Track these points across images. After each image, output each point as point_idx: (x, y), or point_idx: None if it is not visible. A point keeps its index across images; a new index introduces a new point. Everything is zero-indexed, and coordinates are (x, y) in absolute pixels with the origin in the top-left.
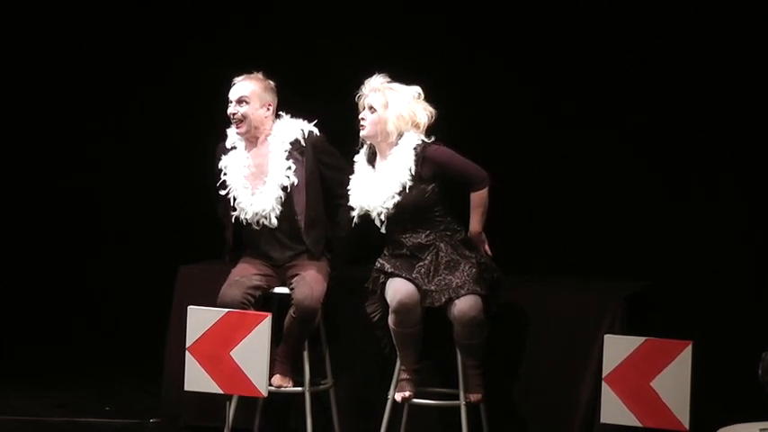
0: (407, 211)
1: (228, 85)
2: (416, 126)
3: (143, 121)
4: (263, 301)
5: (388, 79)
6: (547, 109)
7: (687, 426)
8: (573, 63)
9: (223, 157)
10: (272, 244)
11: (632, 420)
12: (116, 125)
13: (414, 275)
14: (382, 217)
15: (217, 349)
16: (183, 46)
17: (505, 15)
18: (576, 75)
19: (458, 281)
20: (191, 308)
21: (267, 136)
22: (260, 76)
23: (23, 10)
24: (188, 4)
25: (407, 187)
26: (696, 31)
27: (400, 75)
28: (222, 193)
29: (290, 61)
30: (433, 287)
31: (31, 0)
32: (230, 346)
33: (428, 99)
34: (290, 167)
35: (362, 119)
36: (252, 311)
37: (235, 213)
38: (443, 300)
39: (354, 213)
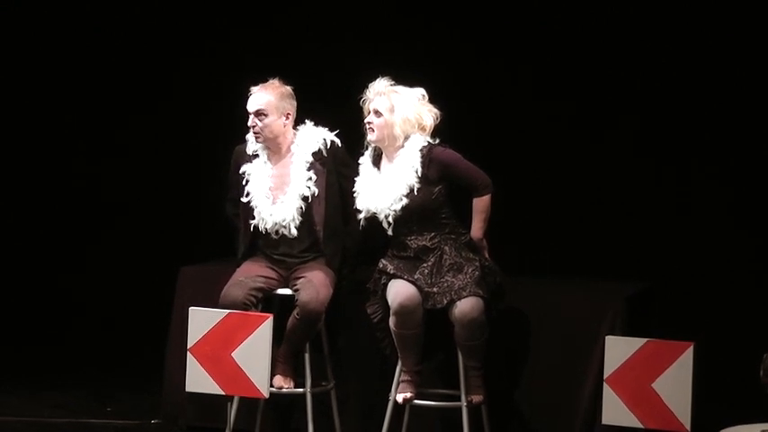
0: (414, 213)
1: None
2: (423, 128)
3: (145, 123)
4: (265, 302)
5: (392, 82)
6: (547, 110)
7: (688, 427)
8: (575, 64)
9: (247, 165)
10: (289, 252)
11: (633, 422)
12: (118, 126)
13: (416, 276)
14: (390, 219)
15: (218, 350)
16: (183, 50)
17: (506, 17)
18: (578, 76)
19: (460, 283)
20: (192, 309)
21: (290, 145)
22: (276, 83)
23: (37, 9)
24: (194, 7)
25: (415, 189)
26: (696, 33)
27: (403, 77)
28: (244, 200)
29: (293, 64)
30: (435, 289)
31: (50, 5)
32: (231, 348)
33: (431, 101)
34: (310, 178)
35: (369, 123)
36: (254, 312)
37: (253, 222)
38: (445, 302)
39: (361, 216)
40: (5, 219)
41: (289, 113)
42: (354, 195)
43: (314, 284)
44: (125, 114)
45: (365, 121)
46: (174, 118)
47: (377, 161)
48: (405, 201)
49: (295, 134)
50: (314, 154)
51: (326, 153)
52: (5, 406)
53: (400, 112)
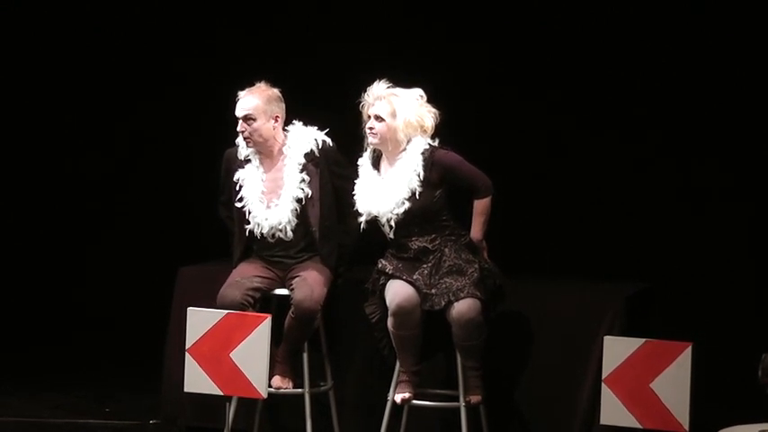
0: (416, 216)
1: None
2: (424, 130)
3: (146, 124)
4: (262, 302)
5: (390, 84)
6: (547, 110)
7: (687, 427)
8: (575, 64)
9: (239, 170)
10: (284, 254)
11: (632, 422)
12: (118, 126)
13: (415, 277)
14: (392, 223)
15: (216, 351)
16: (184, 50)
17: (506, 17)
18: (578, 77)
19: (458, 284)
20: (190, 309)
21: (281, 148)
22: (263, 86)
23: (36, 9)
24: (190, 9)
25: (417, 193)
26: (696, 32)
27: (402, 77)
28: (238, 205)
29: (292, 64)
30: (433, 291)
31: (49, 6)
32: (230, 348)
33: (430, 101)
34: (303, 180)
35: (371, 128)
36: (252, 313)
37: (249, 227)
38: (443, 303)
39: (362, 219)
40: (5, 219)
41: (277, 116)
42: (354, 198)
43: (308, 283)
44: (125, 114)
45: (366, 126)
46: (174, 118)
47: (376, 163)
48: (407, 204)
49: (286, 135)
50: (306, 155)
51: (318, 153)
52: (6, 406)
53: (402, 115)
